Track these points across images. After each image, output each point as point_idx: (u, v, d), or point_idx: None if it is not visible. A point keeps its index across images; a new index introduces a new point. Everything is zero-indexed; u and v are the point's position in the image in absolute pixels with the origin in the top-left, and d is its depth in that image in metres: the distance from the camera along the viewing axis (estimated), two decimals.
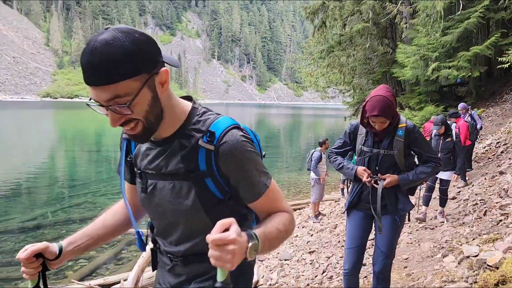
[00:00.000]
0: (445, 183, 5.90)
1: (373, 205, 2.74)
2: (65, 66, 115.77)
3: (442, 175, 5.79)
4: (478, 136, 9.13)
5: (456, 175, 5.90)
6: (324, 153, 8.13)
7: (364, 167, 2.84)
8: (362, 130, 2.81)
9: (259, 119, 60.32)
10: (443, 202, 5.88)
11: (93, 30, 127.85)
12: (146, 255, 4.74)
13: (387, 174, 2.73)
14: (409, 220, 3.06)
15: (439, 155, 5.16)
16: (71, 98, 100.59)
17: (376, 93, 2.60)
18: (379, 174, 2.74)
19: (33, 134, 27.17)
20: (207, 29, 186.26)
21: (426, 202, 6.01)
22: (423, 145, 2.74)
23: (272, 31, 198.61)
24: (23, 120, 39.21)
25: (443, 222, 5.53)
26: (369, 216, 2.85)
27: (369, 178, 2.77)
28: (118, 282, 5.12)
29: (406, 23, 15.68)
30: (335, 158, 3.01)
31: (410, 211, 2.89)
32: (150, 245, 1.34)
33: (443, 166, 4.13)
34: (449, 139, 5.72)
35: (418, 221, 5.80)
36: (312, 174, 8.13)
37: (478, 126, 8.56)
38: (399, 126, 2.69)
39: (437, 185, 6.12)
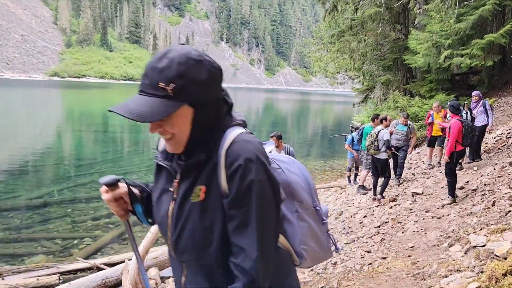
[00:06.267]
0: None
1: None
2: (73, 45, 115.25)
3: None
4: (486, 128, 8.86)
5: None
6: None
7: None
8: None
9: (266, 104, 60.06)
10: None
11: (102, 9, 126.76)
12: (151, 236, 4.75)
13: None
14: None
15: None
16: (79, 77, 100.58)
17: None
18: None
19: (40, 113, 27.29)
20: (216, 11, 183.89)
21: None
22: None
23: (282, 14, 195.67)
24: (30, 98, 39.36)
25: None
26: None
27: None
28: (123, 262, 5.16)
29: (419, 9, 15.31)
30: None
31: None
32: None
33: None
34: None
35: None
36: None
37: (490, 119, 8.36)
38: None
39: None
